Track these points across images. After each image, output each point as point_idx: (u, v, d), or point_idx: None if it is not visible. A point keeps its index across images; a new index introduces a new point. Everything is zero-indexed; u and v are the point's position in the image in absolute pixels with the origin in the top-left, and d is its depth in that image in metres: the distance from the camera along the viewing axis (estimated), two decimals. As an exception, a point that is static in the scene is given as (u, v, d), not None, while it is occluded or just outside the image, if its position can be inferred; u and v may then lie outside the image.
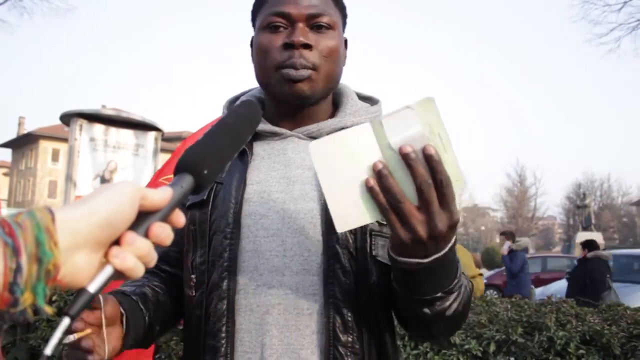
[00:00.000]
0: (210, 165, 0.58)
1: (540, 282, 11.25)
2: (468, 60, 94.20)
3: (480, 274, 4.22)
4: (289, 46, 0.92)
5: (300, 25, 0.93)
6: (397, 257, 0.74)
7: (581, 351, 2.13)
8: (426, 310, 0.79)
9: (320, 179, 0.71)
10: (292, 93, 0.93)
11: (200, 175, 0.57)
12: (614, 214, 46.35)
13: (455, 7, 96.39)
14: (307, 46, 0.92)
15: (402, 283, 0.79)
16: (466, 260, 4.10)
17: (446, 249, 0.72)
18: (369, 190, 0.69)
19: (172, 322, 1.02)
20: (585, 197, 26.28)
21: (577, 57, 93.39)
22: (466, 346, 2.21)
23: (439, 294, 0.77)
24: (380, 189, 0.68)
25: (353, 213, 0.70)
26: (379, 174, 0.68)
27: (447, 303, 0.79)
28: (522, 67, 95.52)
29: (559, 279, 9.68)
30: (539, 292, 7.67)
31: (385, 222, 0.74)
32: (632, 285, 7.39)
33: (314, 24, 0.94)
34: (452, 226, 0.70)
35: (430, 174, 0.67)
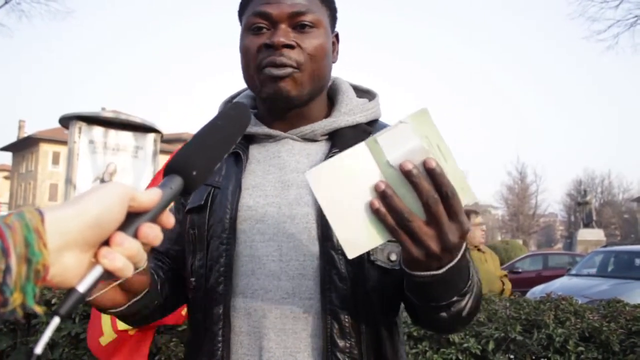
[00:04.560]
0: (199, 167, 0.58)
1: (541, 279, 11.24)
2: (467, 59, 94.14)
3: (506, 275, 4.20)
4: (270, 47, 0.89)
5: (283, 26, 0.90)
6: (411, 271, 0.73)
7: (580, 348, 2.14)
8: (443, 314, 0.79)
9: (323, 206, 0.69)
10: (276, 92, 0.91)
11: (189, 176, 0.57)
12: (615, 211, 46.27)
13: (454, 7, 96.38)
14: (289, 46, 0.89)
15: (417, 293, 0.79)
16: (493, 262, 4.14)
17: (459, 256, 0.72)
18: (375, 212, 0.67)
19: (150, 317, 0.95)
20: (586, 193, 26.29)
21: (575, 54, 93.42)
22: (465, 344, 2.21)
23: (455, 298, 0.77)
24: (386, 210, 0.66)
25: (362, 237, 0.68)
26: (383, 195, 0.66)
27: (463, 304, 0.79)
28: (521, 65, 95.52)
29: (561, 276, 9.68)
30: (541, 289, 7.66)
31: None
32: (633, 281, 7.38)
33: (297, 23, 0.91)
34: (463, 236, 0.69)
35: (435, 188, 0.65)
